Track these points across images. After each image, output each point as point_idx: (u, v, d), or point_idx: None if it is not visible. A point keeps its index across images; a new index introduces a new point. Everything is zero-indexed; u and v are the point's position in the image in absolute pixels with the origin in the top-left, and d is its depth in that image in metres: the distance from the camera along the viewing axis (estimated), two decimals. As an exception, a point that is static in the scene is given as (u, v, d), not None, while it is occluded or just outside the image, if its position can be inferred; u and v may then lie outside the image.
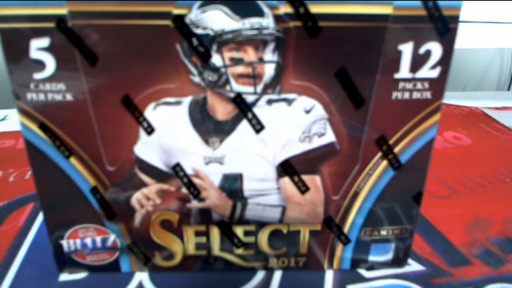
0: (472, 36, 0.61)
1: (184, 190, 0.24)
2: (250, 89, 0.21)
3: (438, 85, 0.21)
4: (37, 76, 0.20)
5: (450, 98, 0.65)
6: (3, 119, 0.57)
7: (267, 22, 0.20)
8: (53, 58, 0.20)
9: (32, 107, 0.21)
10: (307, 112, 0.22)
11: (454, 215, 0.35)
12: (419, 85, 0.21)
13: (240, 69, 0.21)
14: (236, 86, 0.21)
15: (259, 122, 0.22)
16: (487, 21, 0.60)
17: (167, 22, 0.19)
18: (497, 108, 0.63)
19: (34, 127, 0.21)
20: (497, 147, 0.49)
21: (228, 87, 0.21)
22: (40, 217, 0.33)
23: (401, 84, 0.21)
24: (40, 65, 0.20)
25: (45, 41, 0.19)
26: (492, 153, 0.47)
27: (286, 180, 0.24)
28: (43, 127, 0.21)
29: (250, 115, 0.22)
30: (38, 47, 0.20)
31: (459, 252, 0.30)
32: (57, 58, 0.20)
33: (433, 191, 0.39)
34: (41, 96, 0.21)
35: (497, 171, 0.43)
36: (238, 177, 0.23)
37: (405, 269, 0.28)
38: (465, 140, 0.51)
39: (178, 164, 0.23)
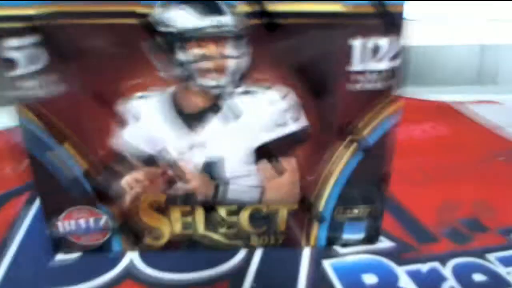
0: (449, 32, 0.63)
1: (168, 174, 0.26)
2: (214, 82, 0.23)
3: (389, 76, 0.23)
4: (11, 74, 0.22)
5: (426, 93, 0.67)
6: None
7: (227, 19, 0.21)
8: (26, 58, 0.21)
9: (19, 101, 0.23)
10: (280, 100, 0.24)
11: (426, 199, 0.37)
12: (370, 76, 0.23)
13: (204, 64, 0.22)
14: (201, 80, 0.23)
15: (235, 111, 0.24)
16: (464, 18, 0.63)
17: (133, 20, 0.21)
18: (466, 102, 0.64)
19: (27, 116, 0.23)
20: (470, 137, 0.52)
21: (194, 81, 0.23)
22: (35, 205, 0.34)
23: (353, 76, 0.23)
24: (14, 63, 0.21)
25: (19, 41, 0.21)
26: (465, 142, 0.50)
27: (263, 163, 0.26)
28: (34, 117, 0.23)
29: (225, 105, 0.24)
30: (11, 46, 0.21)
31: (428, 231, 0.32)
32: (32, 58, 0.21)
33: (408, 177, 0.41)
34: (19, 92, 0.22)
35: (469, 159, 0.45)
36: (218, 162, 0.25)
37: (377, 246, 0.30)
38: (441, 131, 0.53)
39: (162, 150, 0.25)
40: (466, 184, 0.39)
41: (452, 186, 0.39)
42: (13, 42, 0.21)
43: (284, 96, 0.24)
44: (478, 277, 0.28)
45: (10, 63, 0.21)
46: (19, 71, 0.22)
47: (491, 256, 0.29)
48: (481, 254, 0.30)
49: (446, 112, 0.60)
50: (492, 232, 0.32)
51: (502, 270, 0.28)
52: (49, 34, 0.21)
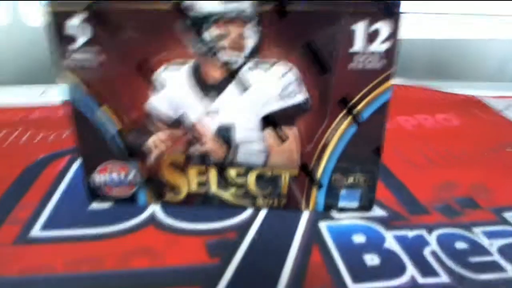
0: (490, 28, 0.64)
1: (188, 136, 0.30)
2: (233, 58, 0.27)
3: (387, 57, 0.27)
4: (72, 47, 0.27)
5: (458, 87, 0.68)
6: (42, 93, 0.65)
7: (245, 5, 0.26)
8: (83, 33, 0.26)
9: (69, 71, 0.28)
10: (283, 75, 0.28)
11: (425, 179, 0.39)
12: (370, 58, 0.27)
13: (225, 42, 0.27)
14: (223, 56, 0.27)
15: (245, 83, 0.28)
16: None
17: (169, 6, 0.26)
18: (495, 97, 0.66)
19: (74, 82, 0.28)
20: (484, 128, 0.53)
21: (216, 56, 0.27)
22: (75, 165, 0.40)
23: (355, 57, 0.27)
24: (74, 38, 0.27)
25: (78, 20, 0.26)
26: (478, 133, 0.51)
27: (268, 131, 0.30)
28: (79, 83, 0.28)
29: (237, 78, 0.28)
30: (73, 24, 0.26)
31: (421, 205, 0.35)
32: (88, 33, 0.26)
33: (412, 160, 0.43)
34: (75, 63, 0.27)
35: (478, 148, 0.47)
36: (231, 127, 0.30)
37: (370, 213, 0.33)
38: (455, 122, 0.55)
39: (183, 115, 0.29)
40: (467, 169, 0.42)
41: (453, 171, 0.41)
42: (73, 21, 0.26)
43: (287, 71, 0.28)
44: (460, 245, 0.30)
45: (70, 39, 0.27)
46: (76, 45, 0.27)
47: (477, 230, 0.32)
48: (468, 227, 0.32)
49: (465, 105, 0.62)
50: (483, 210, 0.35)
51: (485, 241, 0.31)
52: (100, 15, 0.26)
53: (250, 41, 0.27)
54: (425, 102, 0.63)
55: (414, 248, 0.30)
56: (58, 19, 0.26)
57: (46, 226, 0.31)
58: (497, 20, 0.67)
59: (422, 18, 0.73)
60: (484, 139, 0.50)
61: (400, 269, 0.27)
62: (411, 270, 0.27)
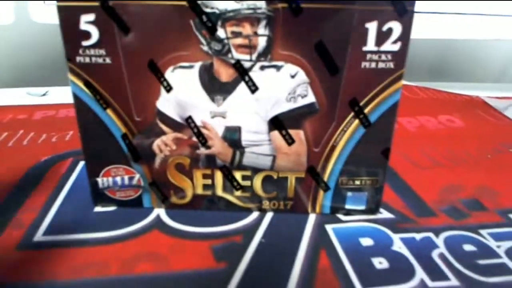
0: (493, 28, 0.64)
1: (194, 138, 0.30)
2: (247, 56, 0.27)
3: (399, 57, 0.27)
4: (85, 43, 0.26)
5: (461, 88, 0.68)
6: (44, 94, 0.64)
7: (261, 3, 0.25)
8: (97, 30, 0.26)
9: (79, 68, 0.27)
10: (292, 76, 0.27)
11: (431, 181, 0.39)
12: (383, 57, 0.26)
13: (239, 40, 0.26)
14: (236, 54, 0.27)
15: (254, 84, 0.28)
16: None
17: (184, 2, 0.25)
18: (498, 97, 0.66)
19: (80, 84, 0.28)
20: (487, 129, 0.53)
21: (229, 55, 0.27)
22: (78, 167, 0.40)
23: (368, 55, 0.26)
24: (87, 34, 0.26)
25: (91, 16, 0.26)
26: (481, 134, 0.51)
27: (275, 133, 0.29)
28: (87, 84, 0.28)
29: (247, 78, 0.28)
30: (86, 21, 0.26)
31: (428, 207, 0.35)
32: (100, 29, 0.26)
33: (418, 162, 0.43)
34: (87, 59, 0.27)
35: (481, 149, 0.47)
36: (237, 129, 0.29)
37: (377, 216, 0.33)
38: (458, 123, 0.55)
39: (190, 117, 0.29)
40: (472, 170, 0.42)
41: (458, 172, 0.41)
42: (88, 17, 0.26)
43: (295, 74, 0.27)
44: (468, 248, 0.30)
45: (85, 34, 0.26)
46: (90, 41, 0.26)
47: (484, 232, 0.32)
48: (475, 229, 0.32)
49: (468, 106, 0.62)
50: (489, 212, 0.35)
51: (492, 243, 0.31)
52: (114, 10, 0.26)
53: (263, 40, 0.26)
54: (427, 103, 0.63)
55: (422, 251, 0.30)
56: (72, 14, 0.26)
57: (50, 230, 0.31)
58: (501, 20, 0.67)
59: (425, 18, 0.73)
60: (488, 140, 0.50)
61: (409, 273, 0.27)
62: (420, 274, 0.27)
